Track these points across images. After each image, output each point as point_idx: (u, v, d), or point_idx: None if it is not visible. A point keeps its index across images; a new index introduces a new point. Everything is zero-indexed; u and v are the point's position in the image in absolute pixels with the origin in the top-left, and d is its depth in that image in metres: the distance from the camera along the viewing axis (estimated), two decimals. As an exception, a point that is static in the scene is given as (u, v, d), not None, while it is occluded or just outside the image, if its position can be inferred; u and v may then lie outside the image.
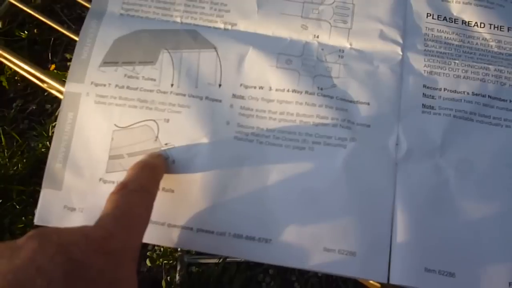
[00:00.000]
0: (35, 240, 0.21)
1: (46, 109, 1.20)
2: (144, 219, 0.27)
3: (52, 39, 1.21)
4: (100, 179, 0.33)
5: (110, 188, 0.29)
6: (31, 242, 0.21)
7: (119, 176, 0.32)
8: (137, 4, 0.37)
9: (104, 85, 0.35)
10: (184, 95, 0.34)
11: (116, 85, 0.35)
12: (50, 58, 1.22)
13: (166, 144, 0.33)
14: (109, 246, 0.23)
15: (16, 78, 1.20)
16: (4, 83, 1.17)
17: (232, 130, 0.33)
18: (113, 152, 0.33)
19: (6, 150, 1.11)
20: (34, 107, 1.20)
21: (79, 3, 0.41)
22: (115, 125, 0.34)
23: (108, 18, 0.37)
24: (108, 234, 0.24)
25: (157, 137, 0.33)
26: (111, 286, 0.22)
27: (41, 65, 1.19)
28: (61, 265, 0.20)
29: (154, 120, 0.34)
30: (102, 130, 0.33)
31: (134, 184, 0.28)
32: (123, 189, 0.27)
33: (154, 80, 0.35)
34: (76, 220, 0.32)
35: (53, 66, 1.18)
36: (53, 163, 0.33)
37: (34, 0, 1.19)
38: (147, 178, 0.29)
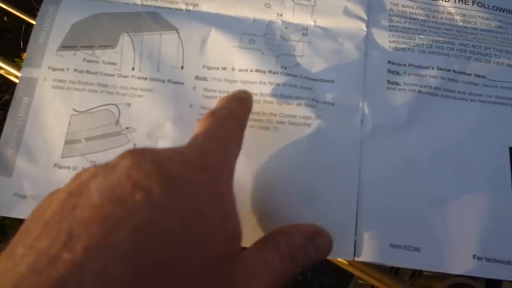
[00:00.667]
0: (129, 158, 0.19)
1: (22, 100, 1.18)
2: (237, 141, 0.25)
3: (24, 27, 1.18)
4: (55, 165, 0.32)
5: (66, 173, 0.28)
6: (124, 160, 0.19)
7: (76, 162, 0.31)
8: (95, -14, 0.36)
9: (63, 69, 0.34)
10: (146, 78, 0.34)
11: (75, 70, 0.34)
12: (22, 46, 1.19)
13: (127, 128, 0.32)
14: (205, 163, 0.21)
15: (-12, 69, 1.17)
16: (-24, 74, 1.14)
17: (195, 112, 0.33)
18: (69, 136, 0.32)
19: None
20: (8, 97, 1.17)
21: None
22: (73, 109, 0.33)
23: (66, 2, 0.36)
24: (202, 152, 0.22)
25: (117, 121, 0.33)
26: (212, 200, 0.20)
27: (14, 53, 1.16)
28: (158, 180, 0.19)
29: (115, 104, 0.33)
30: (59, 114, 0.33)
31: (225, 111, 0.26)
32: (213, 115, 0.25)
33: (115, 64, 0.34)
34: (26, 208, 0.31)
35: (24, 55, 1.15)
36: (4, 148, 0.32)
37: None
38: (238, 107, 0.27)
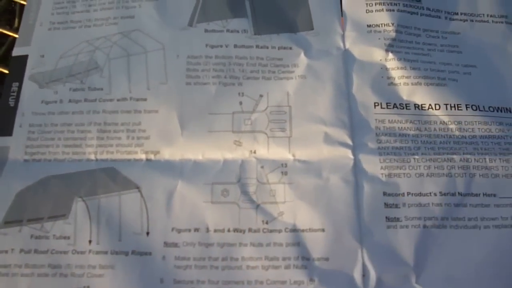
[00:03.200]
0: None
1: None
2: None
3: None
4: None
5: None
6: None
7: None
8: (43, 146, 0.32)
9: (6, 251, 0.29)
10: (106, 252, 0.29)
11: (21, 250, 0.29)
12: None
13: (88, 321, 0.27)
14: None
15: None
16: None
17: (168, 289, 0.28)
18: None
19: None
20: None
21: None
22: None
23: (9, 167, 0.31)
24: None
25: (77, 313, 0.27)
26: None
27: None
28: None
29: None
30: None
31: None
32: None
33: (68, 238, 0.29)
34: None
35: None
36: None
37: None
38: None
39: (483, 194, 0.31)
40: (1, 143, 0.32)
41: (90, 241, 0.29)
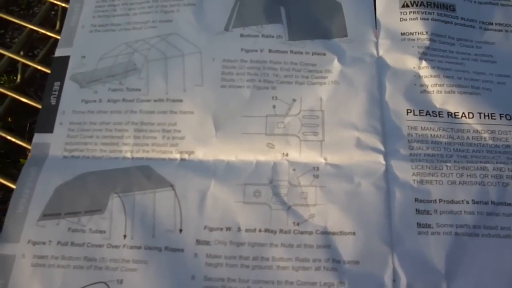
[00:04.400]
0: None
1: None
2: None
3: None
4: None
5: None
6: None
7: None
8: (82, 143, 0.33)
9: (44, 243, 0.30)
10: (140, 247, 0.29)
11: (58, 242, 0.30)
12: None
13: (120, 315, 0.28)
14: None
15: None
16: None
17: (199, 285, 0.29)
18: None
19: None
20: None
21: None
22: None
23: (49, 163, 0.32)
24: None
25: (110, 304, 0.28)
26: None
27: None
28: None
29: (105, 283, 0.29)
30: None
31: None
32: None
33: (104, 232, 0.30)
34: None
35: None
36: None
37: None
38: None
39: (517, 204, 0.30)
40: (42, 139, 0.34)
41: (124, 236, 0.30)
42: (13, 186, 0.32)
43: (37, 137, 0.34)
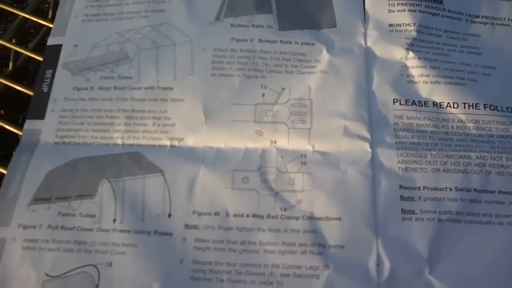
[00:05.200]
0: None
1: None
2: None
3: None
4: None
5: None
6: None
7: None
8: (73, 130, 0.33)
9: (34, 226, 0.30)
10: (129, 231, 0.30)
11: (49, 226, 0.30)
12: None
13: (109, 294, 0.28)
14: None
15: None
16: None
17: (187, 269, 0.29)
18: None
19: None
20: None
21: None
22: (45, 274, 0.29)
23: (40, 149, 0.33)
24: None
25: (97, 285, 0.29)
26: None
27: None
28: None
29: (94, 265, 0.29)
30: (29, 282, 0.29)
31: None
32: None
33: (94, 216, 0.31)
34: None
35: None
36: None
37: None
38: None
39: (498, 191, 0.31)
40: (34, 126, 0.34)
41: (114, 220, 0.30)
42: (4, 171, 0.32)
43: (29, 124, 0.34)
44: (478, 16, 0.38)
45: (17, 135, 0.34)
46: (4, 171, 0.33)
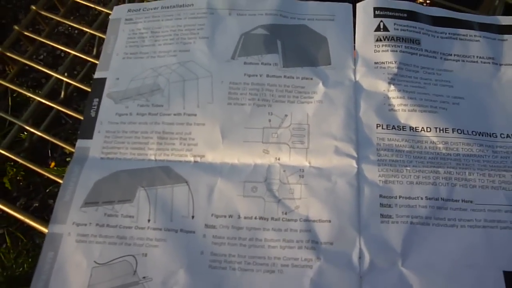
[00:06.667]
0: None
1: (49, 204, 1.23)
2: None
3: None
4: None
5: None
6: None
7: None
8: (115, 148, 0.41)
9: (85, 224, 0.38)
10: (161, 229, 0.37)
11: (97, 224, 0.38)
12: (50, 154, 1.27)
13: (144, 277, 0.36)
14: None
15: (18, 178, 1.25)
16: (7, 184, 1.21)
17: (206, 259, 0.36)
18: None
19: (11, 251, 1.14)
20: (37, 204, 1.23)
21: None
22: (94, 261, 0.36)
23: (89, 163, 0.41)
24: None
25: (135, 271, 0.36)
26: None
27: (42, 161, 1.24)
28: None
29: (133, 255, 0.37)
30: (81, 268, 0.36)
31: None
32: None
33: (132, 217, 0.38)
34: None
35: (53, 164, 1.22)
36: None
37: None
38: None
39: (462, 200, 0.38)
40: (84, 144, 0.42)
41: (148, 220, 0.38)
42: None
43: (80, 142, 0.43)
44: (450, 55, 0.46)
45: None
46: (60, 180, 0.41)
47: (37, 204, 1.22)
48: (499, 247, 0.36)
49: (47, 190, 1.23)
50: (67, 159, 1.22)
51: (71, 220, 0.38)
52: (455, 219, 0.37)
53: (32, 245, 1.15)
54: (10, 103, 1.24)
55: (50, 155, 1.26)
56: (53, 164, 1.21)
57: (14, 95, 1.24)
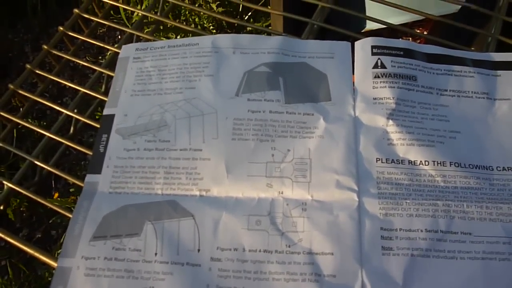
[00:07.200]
0: None
1: (52, 235, 1.24)
2: None
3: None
4: None
5: None
6: None
7: None
8: (123, 182, 0.43)
9: (94, 258, 0.39)
10: (167, 262, 0.38)
11: (105, 258, 0.39)
12: (53, 185, 1.29)
13: (152, 314, 0.37)
14: None
15: (21, 208, 1.26)
16: (10, 215, 1.22)
17: (212, 292, 0.37)
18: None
19: (13, 283, 1.14)
20: (39, 235, 1.24)
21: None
22: None
23: (98, 197, 0.42)
24: None
25: (143, 305, 0.37)
26: None
27: (46, 192, 1.25)
28: None
29: None
30: None
31: None
32: None
33: (140, 250, 0.39)
34: None
35: (56, 194, 1.24)
36: None
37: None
38: None
39: (461, 232, 0.39)
40: (93, 179, 0.44)
41: (156, 253, 0.39)
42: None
43: (89, 177, 0.44)
44: (446, 90, 0.47)
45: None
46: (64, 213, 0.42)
47: (40, 235, 1.22)
48: (498, 279, 0.37)
49: (50, 221, 1.23)
50: (71, 190, 1.24)
51: (80, 254, 0.39)
52: (455, 251, 0.38)
53: (34, 277, 1.15)
54: (15, 134, 1.26)
55: (53, 186, 1.27)
56: (56, 194, 1.22)
57: (19, 126, 1.26)
